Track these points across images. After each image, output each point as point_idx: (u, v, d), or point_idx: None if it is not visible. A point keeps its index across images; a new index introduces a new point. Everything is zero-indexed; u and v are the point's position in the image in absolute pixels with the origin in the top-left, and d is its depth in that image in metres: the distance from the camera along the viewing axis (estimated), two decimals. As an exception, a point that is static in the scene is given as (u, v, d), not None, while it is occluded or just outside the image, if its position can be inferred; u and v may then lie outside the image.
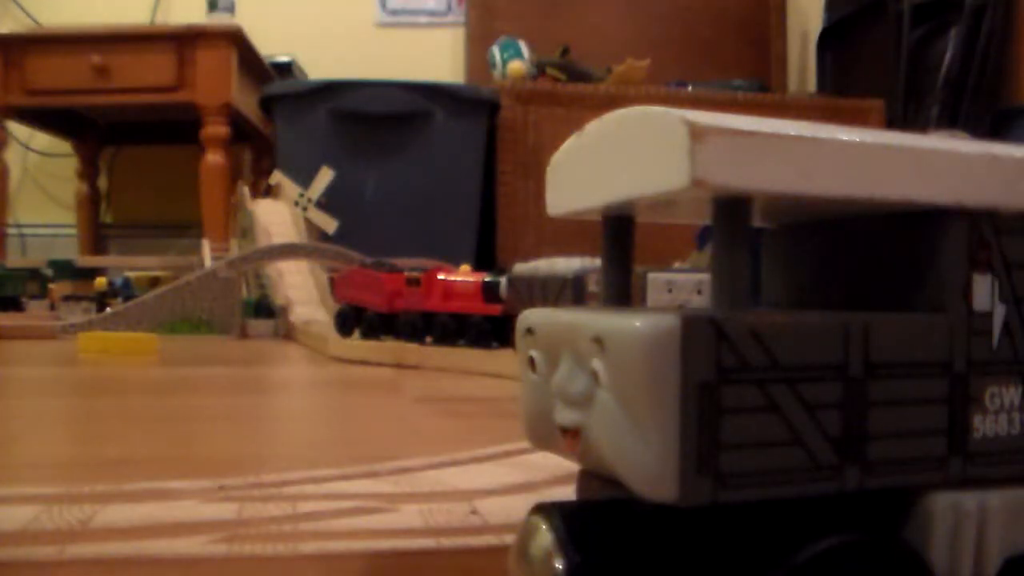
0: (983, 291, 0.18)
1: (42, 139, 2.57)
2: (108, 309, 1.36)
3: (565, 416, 0.17)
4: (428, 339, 0.90)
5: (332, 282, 1.47)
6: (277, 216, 1.55)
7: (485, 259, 2.00)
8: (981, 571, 0.18)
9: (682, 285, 0.61)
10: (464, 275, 0.92)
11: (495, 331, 0.85)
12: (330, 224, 1.69)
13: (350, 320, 1.00)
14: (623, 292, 0.20)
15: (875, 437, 0.17)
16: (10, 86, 2.05)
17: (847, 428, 0.17)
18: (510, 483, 0.34)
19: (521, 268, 0.83)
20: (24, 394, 0.72)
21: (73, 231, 2.54)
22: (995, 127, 2.11)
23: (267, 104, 2.12)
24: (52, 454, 0.46)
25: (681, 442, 0.15)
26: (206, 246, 1.59)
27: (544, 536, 0.17)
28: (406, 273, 0.94)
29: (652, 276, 0.56)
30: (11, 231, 2.36)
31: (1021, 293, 0.19)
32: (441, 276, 0.92)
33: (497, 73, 2.18)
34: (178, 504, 0.31)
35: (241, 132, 2.20)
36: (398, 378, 0.81)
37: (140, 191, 2.65)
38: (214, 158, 2.03)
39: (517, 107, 2.08)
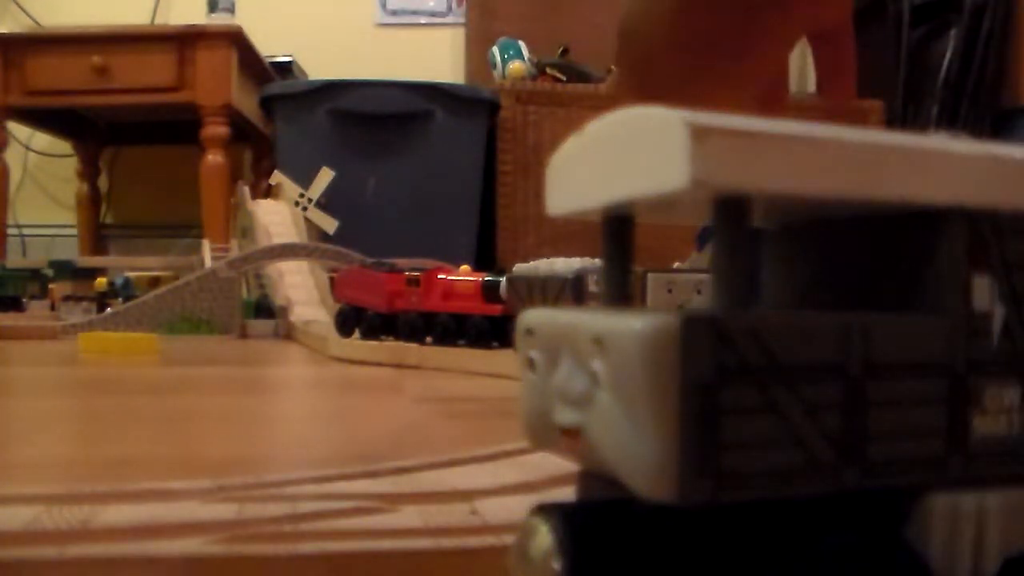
0: (983, 291, 0.18)
1: (42, 139, 2.57)
2: (108, 309, 1.36)
3: (565, 416, 0.17)
4: (428, 339, 0.90)
5: (332, 282, 1.47)
6: (277, 216, 1.55)
7: (485, 259, 2.00)
8: (980, 571, 0.18)
9: (682, 285, 0.61)
10: (464, 275, 0.92)
11: (495, 331, 0.85)
12: (330, 224, 1.69)
13: (350, 320, 1.00)
14: (623, 292, 0.20)
15: (875, 437, 0.17)
16: (10, 86, 2.05)
17: (847, 428, 0.17)
18: (510, 483, 0.34)
19: (521, 268, 0.83)
20: (24, 394, 0.72)
21: (73, 231, 2.54)
22: (995, 127, 2.11)
23: (267, 104, 2.12)
24: (52, 454, 0.46)
25: (681, 442, 0.15)
26: (206, 246, 1.59)
27: (544, 537, 0.17)
28: (406, 273, 0.94)
29: (652, 276, 0.56)
30: (11, 231, 2.36)
31: (1021, 293, 0.19)
32: (441, 276, 0.91)
33: (497, 73, 2.18)
34: (178, 504, 0.31)
35: (241, 132, 2.20)
36: (398, 378, 0.81)
37: (140, 191, 2.65)
38: (214, 158, 2.03)
39: (517, 107, 2.08)
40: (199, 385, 0.78)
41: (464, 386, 0.76)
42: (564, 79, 2.15)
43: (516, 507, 0.30)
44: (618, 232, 0.20)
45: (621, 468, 0.16)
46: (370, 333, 0.96)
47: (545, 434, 0.18)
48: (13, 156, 2.30)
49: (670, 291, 0.56)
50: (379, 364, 0.90)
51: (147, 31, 2.23)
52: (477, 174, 2.08)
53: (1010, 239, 0.19)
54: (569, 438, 0.17)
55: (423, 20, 2.71)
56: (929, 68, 2.14)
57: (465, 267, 0.99)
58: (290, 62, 2.40)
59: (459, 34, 2.61)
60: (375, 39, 2.67)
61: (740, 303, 0.16)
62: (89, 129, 2.46)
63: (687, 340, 0.15)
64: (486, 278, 0.87)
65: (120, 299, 1.45)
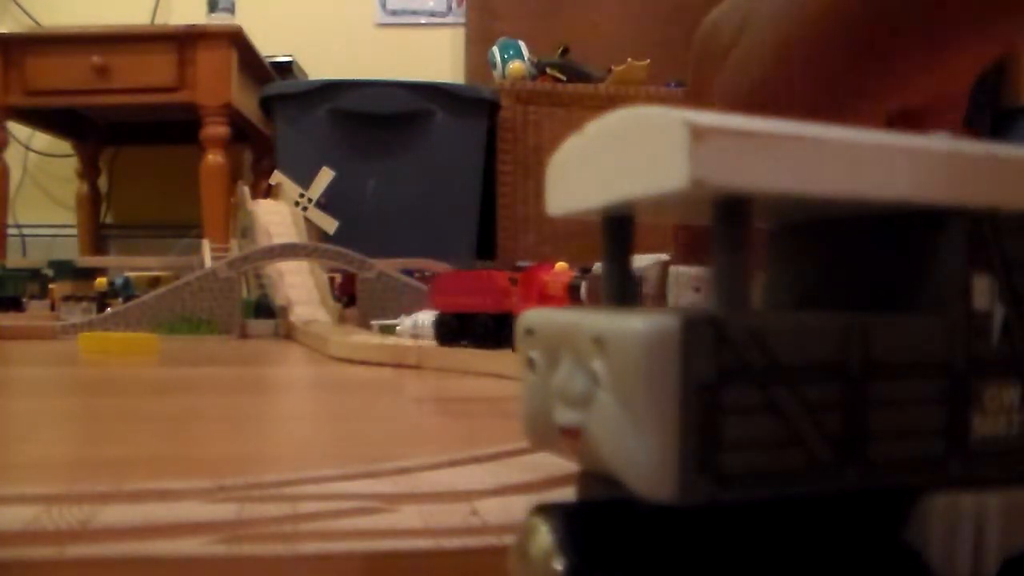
0: (983, 291, 0.18)
1: (42, 139, 2.57)
2: (108, 309, 1.36)
3: (565, 416, 0.17)
4: None
5: (333, 283, 1.47)
6: (277, 216, 1.55)
7: (485, 260, 2.00)
8: (980, 572, 0.18)
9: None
10: (558, 274, 0.85)
11: None
12: (330, 224, 1.69)
13: (453, 329, 0.92)
14: (623, 292, 0.20)
15: (875, 437, 0.17)
16: (10, 86, 2.05)
17: (847, 428, 0.17)
18: (510, 483, 0.34)
19: (599, 267, 0.79)
20: (24, 394, 0.72)
21: (73, 231, 2.54)
22: (995, 127, 2.11)
23: (267, 104, 2.12)
24: (52, 454, 0.46)
25: (681, 442, 0.15)
26: (206, 246, 1.59)
27: (544, 537, 0.17)
28: (508, 272, 0.88)
29: (675, 271, 0.48)
30: (11, 231, 2.36)
31: (1021, 293, 0.19)
32: (540, 274, 0.85)
33: (497, 73, 2.18)
34: (178, 504, 0.31)
35: (241, 132, 2.20)
36: (398, 378, 0.81)
37: (140, 191, 2.66)
38: (214, 158, 2.03)
39: (517, 107, 2.08)
40: (199, 385, 0.78)
41: (464, 386, 0.76)
42: (564, 79, 2.15)
43: (516, 507, 0.30)
44: (618, 232, 0.20)
45: (621, 468, 0.16)
46: (484, 340, 0.84)
47: (545, 434, 0.18)
48: (13, 156, 2.30)
49: (698, 289, 0.49)
50: (379, 364, 0.90)
51: (147, 31, 2.23)
52: (477, 174, 2.08)
53: (1010, 239, 0.19)
54: (569, 438, 0.17)
55: (423, 20, 2.71)
56: (929, 68, 2.14)
57: (562, 264, 0.91)
58: (290, 62, 2.40)
59: (459, 34, 2.61)
60: (375, 39, 2.67)
61: (740, 303, 0.16)
62: (89, 129, 2.46)
63: (687, 340, 0.15)
64: (574, 276, 0.81)
65: (120, 299, 1.45)
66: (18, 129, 2.37)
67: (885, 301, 0.19)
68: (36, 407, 0.64)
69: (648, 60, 2.11)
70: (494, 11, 2.46)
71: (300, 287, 1.36)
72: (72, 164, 2.55)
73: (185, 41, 2.02)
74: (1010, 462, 0.19)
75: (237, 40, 2.05)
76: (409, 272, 1.46)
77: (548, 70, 2.17)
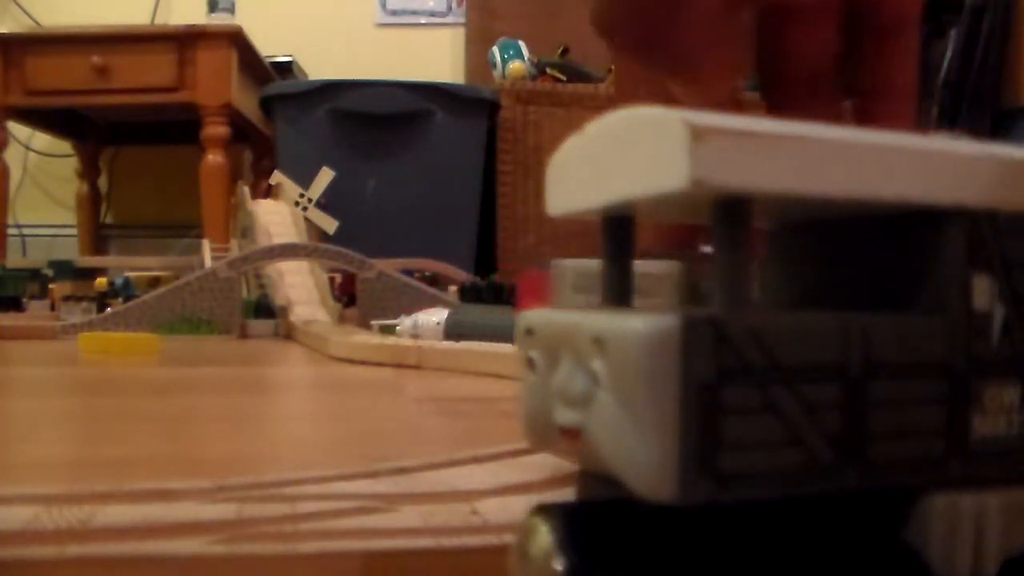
0: (983, 291, 0.18)
1: (42, 139, 2.57)
2: (108, 309, 1.36)
3: (565, 416, 0.17)
4: None
5: (333, 283, 1.47)
6: (277, 216, 1.55)
7: (485, 259, 2.01)
8: (980, 571, 0.18)
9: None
10: None
11: None
12: (330, 224, 1.69)
13: None
14: (623, 292, 0.20)
15: (875, 437, 0.17)
16: (10, 86, 2.05)
17: (847, 428, 0.17)
18: (510, 483, 0.34)
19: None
20: (24, 394, 0.72)
21: (73, 231, 2.55)
22: (995, 127, 2.11)
23: (267, 104, 2.12)
24: (52, 454, 0.46)
25: (681, 442, 0.15)
26: (206, 246, 1.59)
27: (544, 537, 0.17)
28: None
29: (560, 266, 0.37)
30: (11, 231, 2.36)
31: (1021, 293, 0.19)
32: None
33: (497, 73, 2.18)
34: (178, 504, 0.31)
35: (241, 132, 2.20)
36: (398, 378, 0.81)
37: (140, 191, 2.66)
38: (214, 158, 2.03)
39: (517, 107, 2.08)
40: (199, 385, 0.78)
41: (464, 386, 0.76)
42: (564, 79, 2.15)
43: (516, 507, 0.30)
44: (618, 232, 0.20)
45: (621, 468, 0.16)
46: None
47: (545, 434, 0.18)
48: (13, 156, 2.30)
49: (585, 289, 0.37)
50: (379, 364, 0.90)
51: (147, 31, 2.23)
52: (477, 174, 2.08)
53: (1010, 239, 0.19)
54: (569, 438, 0.17)
55: (423, 20, 2.71)
56: (929, 69, 2.14)
57: None
58: (290, 62, 2.41)
59: (459, 34, 2.61)
60: (375, 39, 2.67)
61: (740, 303, 0.16)
62: (89, 129, 2.47)
63: (688, 340, 0.15)
64: None
65: (120, 299, 1.45)
66: (18, 129, 2.37)
67: (885, 301, 0.19)
68: (36, 407, 0.64)
69: (648, 60, 2.11)
70: (494, 11, 2.46)
71: (300, 287, 1.36)
72: (72, 164, 2.55)
73: (185, 41, 2.02)
74: (1010, 462, 0.19)
75: (237, 40, 2.05)
76: (409, 272, 1.46)
77: (548, 70, 2.17)
